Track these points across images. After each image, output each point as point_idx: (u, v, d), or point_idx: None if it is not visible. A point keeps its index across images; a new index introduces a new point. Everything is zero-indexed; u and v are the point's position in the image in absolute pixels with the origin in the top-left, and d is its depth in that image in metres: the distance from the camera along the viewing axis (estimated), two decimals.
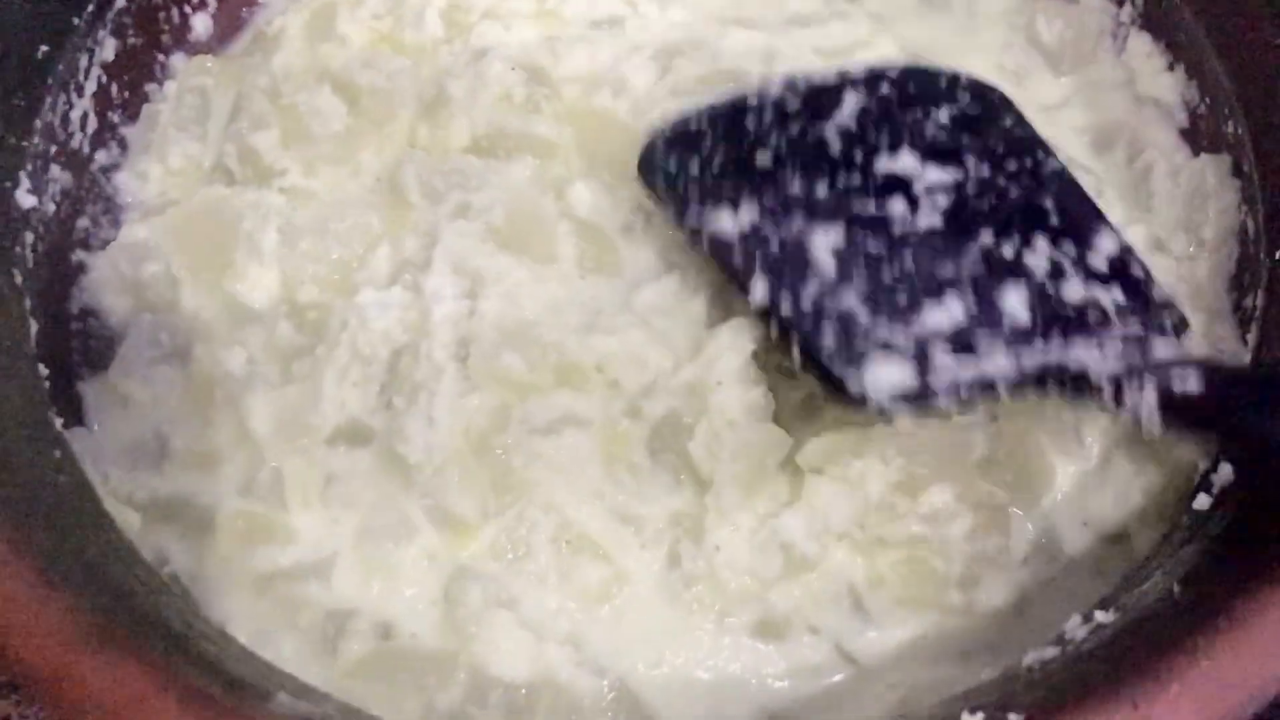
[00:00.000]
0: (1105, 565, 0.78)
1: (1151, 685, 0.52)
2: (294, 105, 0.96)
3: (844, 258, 0.80)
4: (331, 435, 0.84)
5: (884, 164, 0.84)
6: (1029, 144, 0.87)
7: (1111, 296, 0.79)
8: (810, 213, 0.82)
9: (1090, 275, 0.80)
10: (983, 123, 0.88)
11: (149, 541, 0.79)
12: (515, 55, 1.00)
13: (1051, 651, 0.65)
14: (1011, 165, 0.85)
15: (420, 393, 0.83)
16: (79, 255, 0.92)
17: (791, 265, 0.80)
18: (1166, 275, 0.89)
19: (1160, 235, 0.92)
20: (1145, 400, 0.69)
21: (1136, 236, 0.91)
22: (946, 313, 0.78)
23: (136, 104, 0.99)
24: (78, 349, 0.88)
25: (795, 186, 0.83)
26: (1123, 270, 0.81)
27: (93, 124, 0.94)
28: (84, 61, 0.93)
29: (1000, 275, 0.79)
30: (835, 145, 0.86)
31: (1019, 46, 1.03)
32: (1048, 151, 0.87)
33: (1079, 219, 0.83)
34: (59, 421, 0.78)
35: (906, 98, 0.88)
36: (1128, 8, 1.01)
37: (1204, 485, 0.72)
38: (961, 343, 0.76)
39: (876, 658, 0.77)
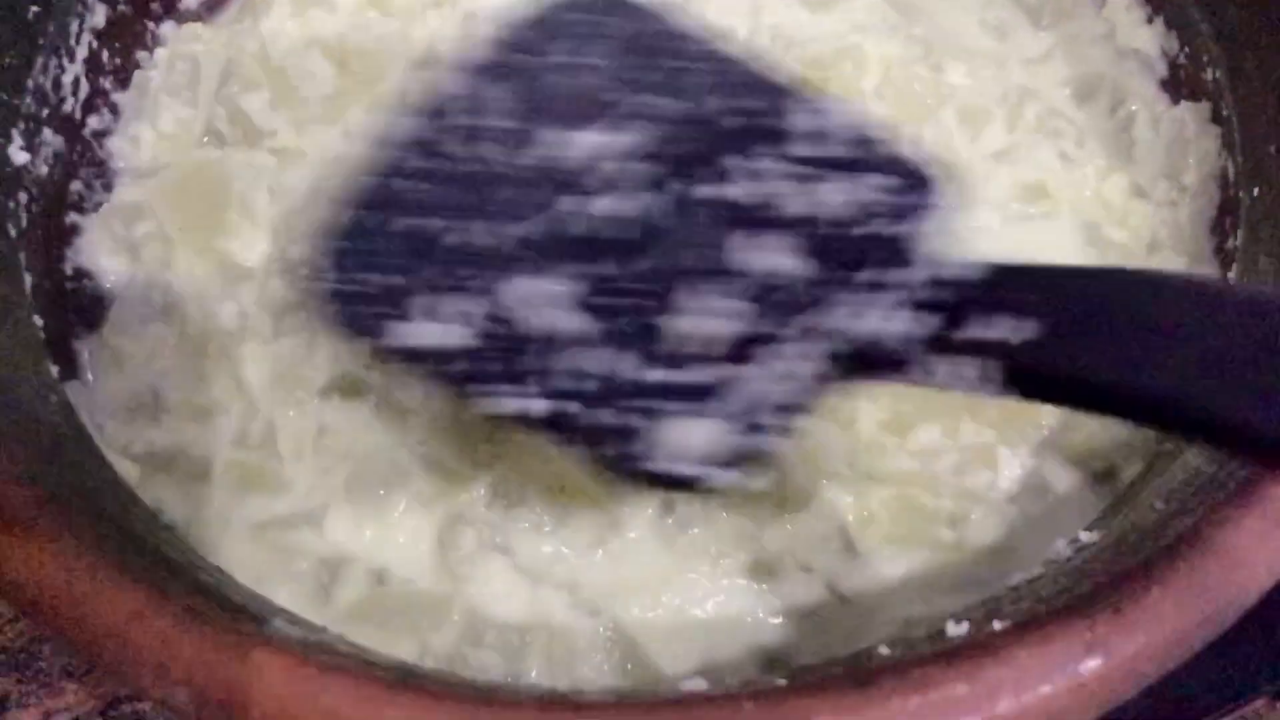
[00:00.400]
0: (1094, 501, 0.79)
1: (1132, 589, 0.53)
2: (283, 68, 0.97)
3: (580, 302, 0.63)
4: (325, 387, 0.85)
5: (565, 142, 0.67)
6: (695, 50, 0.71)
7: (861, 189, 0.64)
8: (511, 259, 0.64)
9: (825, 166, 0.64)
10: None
11: (146, 492, 0.79)
12: (505, 16, 1.00)
13: (1038, 570, 0.66)
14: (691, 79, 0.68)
15: None
16: (72, 218, 0.92)
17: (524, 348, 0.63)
18: (1148, 221, 0.91)
19: (1141, 183, 0.93)
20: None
21: (1118, 185, 0.93)
22: (716, 319, 0.62)
23: (128, 71, 1.00)
24: (72, 308, 0.88)
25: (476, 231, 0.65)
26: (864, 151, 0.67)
27: (85, 89, 0.95)
28: (74, 26, 0.94)
29: (743, 231, 0.63)
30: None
31: (1000, 2, 1.04)
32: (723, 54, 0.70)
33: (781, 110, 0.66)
34: (55, 370, 0.78)
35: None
36: None
37: None
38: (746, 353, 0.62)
39: (869, 594, 0.78)
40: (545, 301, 0.63)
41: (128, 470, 0.78)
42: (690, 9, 0.99)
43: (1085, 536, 0.67)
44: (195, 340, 0.86)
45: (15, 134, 0.86)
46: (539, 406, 0.62)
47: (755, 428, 0.61)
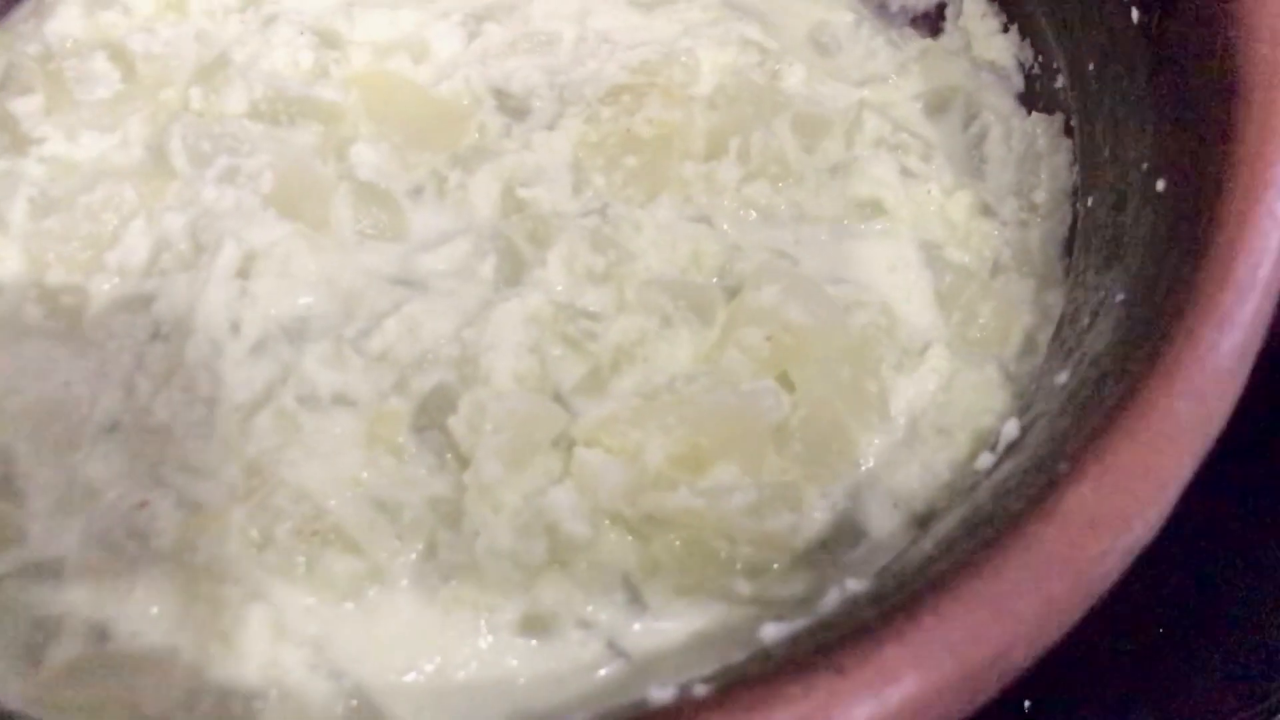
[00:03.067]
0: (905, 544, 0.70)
1: (861, 649, 0.44)
2: (60, 70, 0.89)
3: None
4: (87, 434, 0.75)
5: None
6: None
7: None
8: None
9: None
10: None
11: None
12: (309, 21, 0.93)
13: (800, 623, 0.56)
14: None
15: (176, 375, 0.76)
16: None
17: None
18: (992, 241, 0.83)
19: (989, 201, 0.85)
20: None
21: (963, 203, 0.85)
22: None
23: None
24: None
25: None
26: None
27: None
28: None
29: None
30: None
31: (844, 7, 0.97)
32: None
33: None
34: None
35: None
36: None
37: (991, 445, 0.65)
38: None
39: (654, 652, 0.68)
40: None
41: None
42: (516, 13, 0.94)
43: (853, 585, 0.58)
44: None
45: None
46: None
47: None
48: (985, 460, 0.63)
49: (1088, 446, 0.49)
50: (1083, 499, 0.48)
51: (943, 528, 0.57)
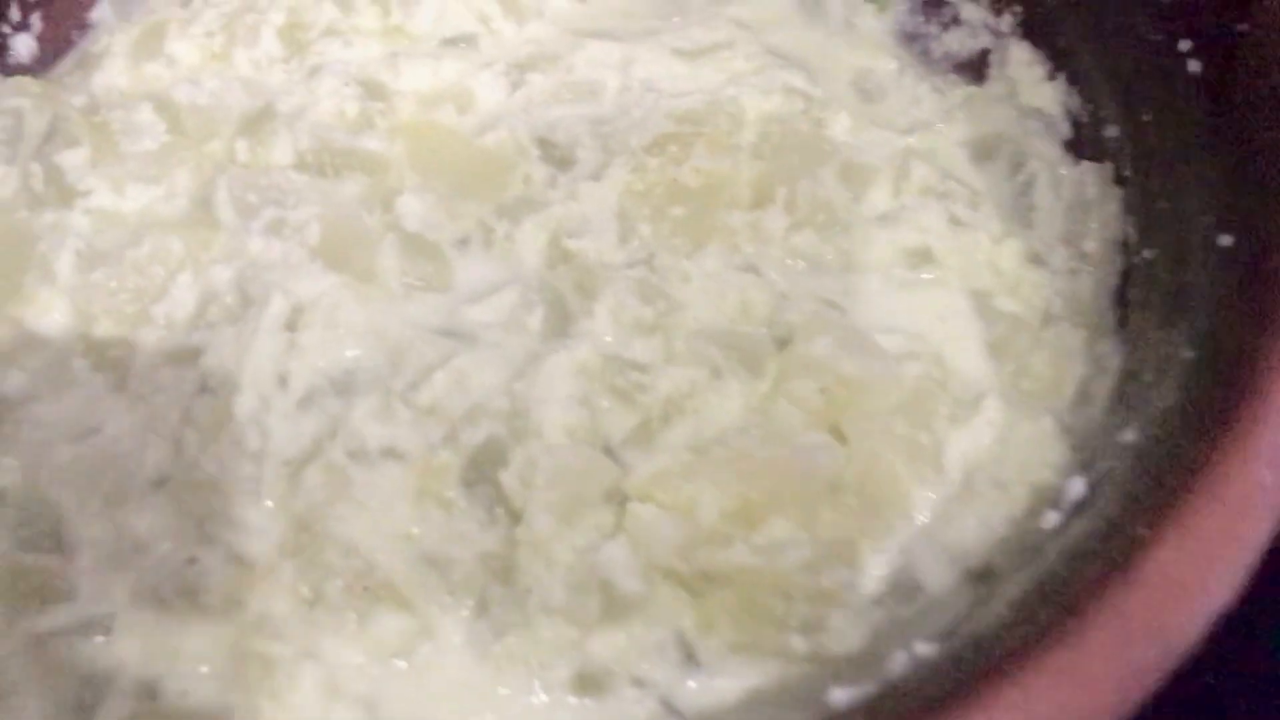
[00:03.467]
0: (969, 603, 0.68)
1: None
2: (106, 123, 0.89)
3: None
4: (135, 489, 0.75)
5: None
6: None
7: None
8: None
9: None
10: None
11: None
12: (354, 72, 0.93)
13: (869, 689, 0.55)
14: None
15: (224, 429, 0.75)
16: None
17: None
18: (1042, 290, 0.82)
19: (1039, 249, 0.84)
20: None
21: (1013, 251, 0.84)
22: None
23: None
24: None
25: None
26: None
27: None
28: None
29: None
30: None
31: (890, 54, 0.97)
32: None
33: None
34: None
35: None
36: (1007, 17, 0.95)
37: (1056, 503, 0.63)
38: None
39: (709, 711, 0.67)
40: None
41: None
42: (559, 63, 0.94)
43: (923, 649, 0.57)
44: None
45: None
46: None
47: None
48: (1051, 519, 0.62)
49: (1167, 510, 0.48)
50: (1164, 564, 0.47)
51: (1013, 589, 0.56)
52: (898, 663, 0.57)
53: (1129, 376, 0.69)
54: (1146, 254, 0.74)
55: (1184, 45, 0.73)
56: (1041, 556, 0.58)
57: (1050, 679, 0.44)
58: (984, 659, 0.47)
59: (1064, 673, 0.44)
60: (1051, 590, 0.51)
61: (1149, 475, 0.54)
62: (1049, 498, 0.68)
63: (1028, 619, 0.50)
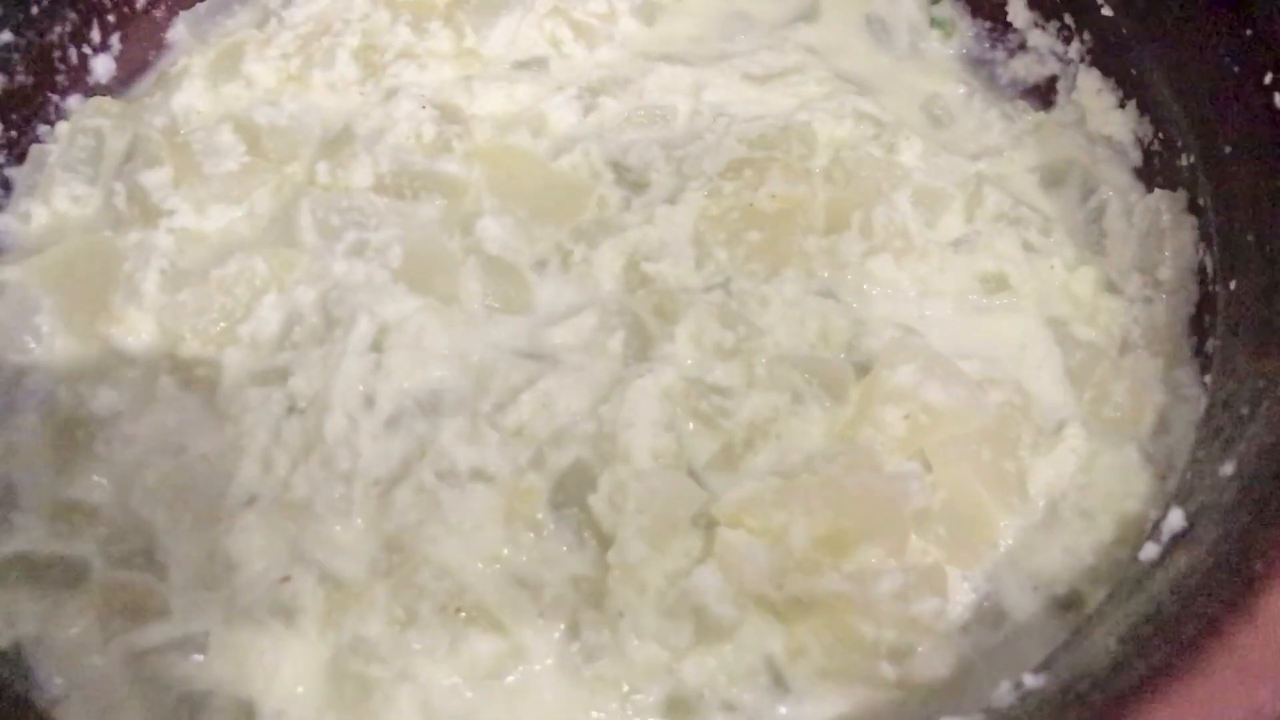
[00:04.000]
0: (1055, 631, 0.69)
1: None
2: (187, 143, 0.91)
3: None
4: (225, 508, 0.76)
5: None
6: None
7: None
8: None
9: None
10: None
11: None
12: (429, 95, 0.95)
13: (975, 719, 0.56)
14: None
15: (314, 450, 0.77)
16: None
17: None
18: (1120, 318, 0.83)
19: (1113, 277, 0.85)
20: None
21: (1088, 278, 0.85)
22: None
23: (24, 144, 0.94)
24: None
25: None
26: None
27: None
28: None
29: None
30: None
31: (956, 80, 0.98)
32: None
33: None
34: None
35: None
36: (1075, 44, 0.96)
37: (1153, 535, 0.64)
38: None
39: None
40: None
41: None
42: (630, 87, 0.95)
43: (1030, 681, 0.57)
44: (60, 427, 0.78)
45: None
46: None
47: None
48: (1150, 551, 0.63)
49: None
50: None
51: (1121, 623, 0.57)
52: (1003, 692, 0.58)
53: (1221, 407, 0.69)
54: (1233, 286, 0.74)
55: (1268, 79, 0.73)
56: (1144, 589, 0.59)
57: (1176, 713, 0.44)
58: (1099, 691, 0.48)
59: (1189, 708, 0.45)
60: (1163, 624, 0.52)
61: (1255, 510, 0.55)
62: (1140, 528, 0.69)
63: (1140, 653, 0.50)
